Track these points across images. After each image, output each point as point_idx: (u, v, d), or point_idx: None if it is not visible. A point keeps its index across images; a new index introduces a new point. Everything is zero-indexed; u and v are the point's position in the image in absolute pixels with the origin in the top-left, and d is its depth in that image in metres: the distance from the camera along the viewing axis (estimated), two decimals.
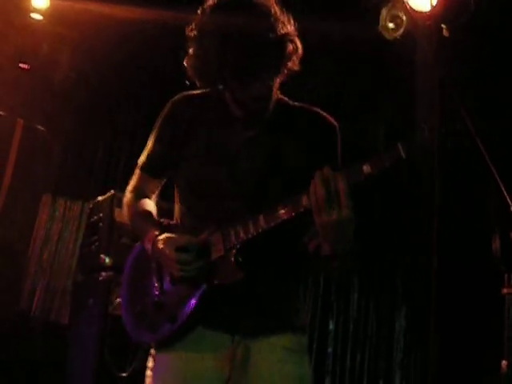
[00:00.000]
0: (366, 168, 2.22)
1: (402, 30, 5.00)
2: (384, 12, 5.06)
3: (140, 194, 2.78)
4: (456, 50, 4.73)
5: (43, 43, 6.62)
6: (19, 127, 5.84)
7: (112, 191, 5.21)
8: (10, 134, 5.80)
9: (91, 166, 6.86)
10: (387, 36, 5.08)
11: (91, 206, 5.56)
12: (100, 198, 5.36)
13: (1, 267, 5.63)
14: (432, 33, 4.62)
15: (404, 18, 4.95)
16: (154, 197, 2.82)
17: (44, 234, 6.52)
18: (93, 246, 5.20)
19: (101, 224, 5.18)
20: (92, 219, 5.39)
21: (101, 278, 4.89)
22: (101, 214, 5.22)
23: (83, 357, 4.87)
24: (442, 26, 4.64)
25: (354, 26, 5.17)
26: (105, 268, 4.92)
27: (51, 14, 6.29)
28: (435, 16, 4.61)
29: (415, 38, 4.90)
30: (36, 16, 6.29)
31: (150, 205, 2.75)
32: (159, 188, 2.83)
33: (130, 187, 2.81)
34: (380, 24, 5.07)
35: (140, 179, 2.80)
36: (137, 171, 2.82)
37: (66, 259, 6.49)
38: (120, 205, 4.98)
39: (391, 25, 5.05)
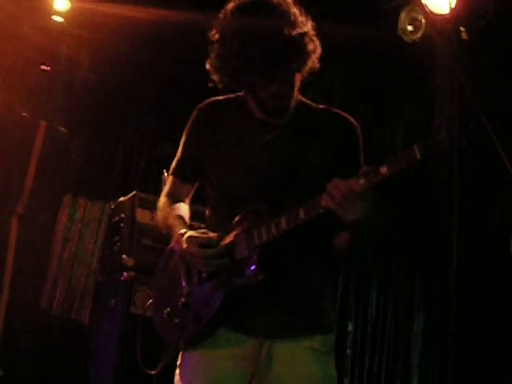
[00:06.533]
0: (383, 169, 2.26)
1: (420, 33, 5.02)
2: (403, 15, 5.08)
3: (173, 198, 2.85)
4: (475, 53, 4.74)
5: (64, 45, 6.66)
6: (42, 129, 5.88)
7: (134, 192, 5.25)
8: (33, 136, 5.84)
9: (111, 167, 6.91)
10: (406, 39, 5.10)
11: (113, 206, 5.60)
12: (122, 199, 5.39)
13: (23, 267, 5.67)
14: (451, 36, 4.63)
15: (423, 20, 4.97)
16: (187, 200, 2.89)
17: (64, 234, 6.57)
18: (114, 247, 5.24)
19: (122, 224, 5.22)
20: (114, 220, 5.41)
21: (122, 279, 4.92)
22: (122, 215, 5.24)
23: (105, 356, 4.91)
24: (461, 28, 4.66)
25: (374, 28, 5.20)
26: (126, 268, 4.95)
27: (72, 16, 6.33)
28: (454, 19, 4.63)
29: (434, 41, 4.91)
30: (57, 18, 6.34)
31: (182, 208, 2.82)
32: (192, 192, 2.90)
33: (164, 192, 2.90)
34: (399, 27, 5.09)
35: (172, 184, 2.89)
36: (169, 177, 2.90)
37: (86, 259, 6.53)
38: (142, 205, 5.12)
39: (410, 27, 5.07)
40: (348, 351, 5.85)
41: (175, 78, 6.73)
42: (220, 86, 2.61)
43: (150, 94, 6.97)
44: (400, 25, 5.09)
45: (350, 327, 5.92)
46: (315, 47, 2.53)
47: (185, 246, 2.58)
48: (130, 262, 4.96)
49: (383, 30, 5.21)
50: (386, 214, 2.56)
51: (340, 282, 6.01)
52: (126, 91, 6.86)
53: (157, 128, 7.01)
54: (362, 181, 2.29)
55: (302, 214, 2.43)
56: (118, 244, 5.17)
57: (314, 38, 2.54)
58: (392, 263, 5.86)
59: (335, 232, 2.63)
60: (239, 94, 2.75)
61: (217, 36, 2.55)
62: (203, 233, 2.61)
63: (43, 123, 5.91)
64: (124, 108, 6.94)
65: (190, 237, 2.59)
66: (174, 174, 2.88)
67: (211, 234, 2.59)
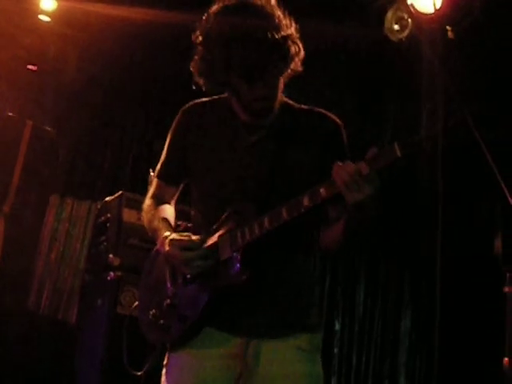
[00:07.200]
0: (364, 168, 2.28)
1: (406, 32, 5.04)
2: (389, 14, 5.11)
3: (158, 200, 2.86)
4: (461, 51, 4.76)
5: (51, 45, 6.65)
6: (28, 128, 5.85)
7: (120, 191, 5.24)
8: (19, 135, 5.80)
9: (99, 167, 6.89)
10: (392, 38, 5.12)
11: (100, 206, 5.59)
12: (108, 199, 5.38)
13: (9, 267, 5.65)
14: (436, 34, 4.65)
15: (409, 20, 4.99)
16: (173, 202, 2.90)
17: (51, 233, 6.56)
18: (101, 246, 5.22)
19: (109, 224, 5.21)
20: (100, 219, 5.40)
21: (109, 278, 4.91)
22: (109, 215, 5.23)
23: (91, 356, 4.89)
24: (447, 28, 4.68)
25: (360, 27, 5.21)
26: (113, 268, 4.94)
27: (59, 16, 6.33)
28: (440, 18, 4.64)
29: (420, 40, 4.93)
30: (44, 18, 6.34)
31: (166, 210, 2.83)
32: (177, 193, 2.91)
33: (149, 194, 2.91)
34: (385, 26, 5.11)
35: (157, 187, 2.90)
36: (154, 179, 2.91)
37: (73, 259, 6.52)
38: (128, 205, 5.11)
39: (396, 26, 5.10)
40: (335, 350, 5.86)
41: (163, 76, 6.73)
42: (204, 88, 2.61)
43: (138, 93, 6.96)
44: (386, 24, 5.11)
45: (338, 326, 5.93)
46: (299, 50, 2.54)
47: (167, 248, 2.60)
48: (117, 262, 4.95)
49: (370, 29, 5.22)
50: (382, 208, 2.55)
51: (327, 281, 6.02)
52: (114, 90, 6.85)
53: (145, 127, 7.01)
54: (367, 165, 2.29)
55: (284, 214, 2.43)
56: (105, 244, 5.16)
57: (298, 41, 2.55)
58: (379, 263, 5.88)
59: (321, 231, 2.65)
60: (223, 96, 2.75)
61: (200, 38, 2.56)
62: (187, 236, 2.61)
63: (29, 123, 5.88)
64: (112, 107, 6.93)
65: (172, 240, 2.59)
66: (159, 176, 2.89)
67: (194, 237, 2.60)
